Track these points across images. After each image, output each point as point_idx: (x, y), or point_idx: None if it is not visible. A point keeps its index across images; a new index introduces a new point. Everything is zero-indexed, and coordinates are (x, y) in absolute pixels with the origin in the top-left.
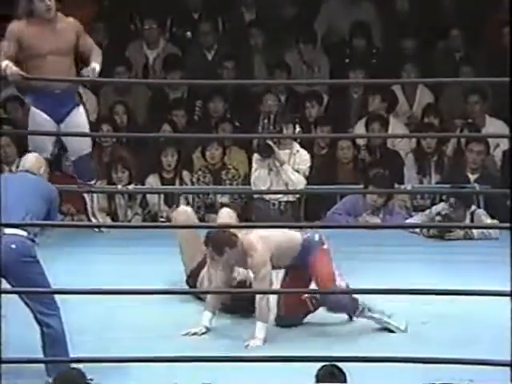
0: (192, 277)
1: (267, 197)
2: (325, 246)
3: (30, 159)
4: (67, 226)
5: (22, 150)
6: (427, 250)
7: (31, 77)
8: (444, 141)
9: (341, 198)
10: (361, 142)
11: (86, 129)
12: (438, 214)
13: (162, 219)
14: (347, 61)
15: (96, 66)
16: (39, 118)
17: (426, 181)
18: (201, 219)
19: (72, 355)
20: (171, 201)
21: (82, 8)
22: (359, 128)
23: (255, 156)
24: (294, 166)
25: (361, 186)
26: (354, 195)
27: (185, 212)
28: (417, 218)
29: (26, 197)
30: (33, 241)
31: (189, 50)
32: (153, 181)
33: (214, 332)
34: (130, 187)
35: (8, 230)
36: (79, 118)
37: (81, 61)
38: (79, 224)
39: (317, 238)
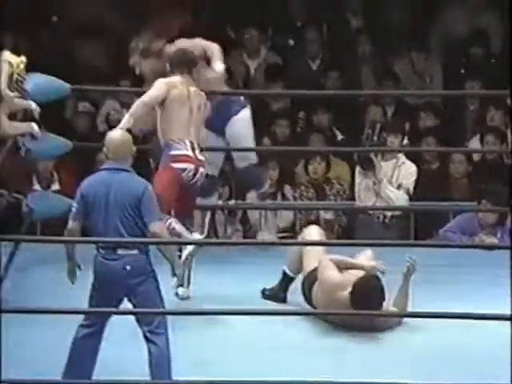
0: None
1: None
2: None
3: (117, 142)
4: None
5: None
6: None
7: None
8: None
9: (454, 215)
10: (476, 156)
11: (249, 138)
12: None
13: (238, 232)
14: (462, 71)
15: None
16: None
17: None
18: None
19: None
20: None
21: (173, 22)
22: (474, 142)
23: (358, 168)
24: (397, 180)
25: (474, 203)
26: (468, 213)
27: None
28: None
29: (117, 209)
30: (146, 253)
31: (292, 60)
32: (254, 196)
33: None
34: (231, 203)
35: (120, 251)
36: (238, 123)
37: None
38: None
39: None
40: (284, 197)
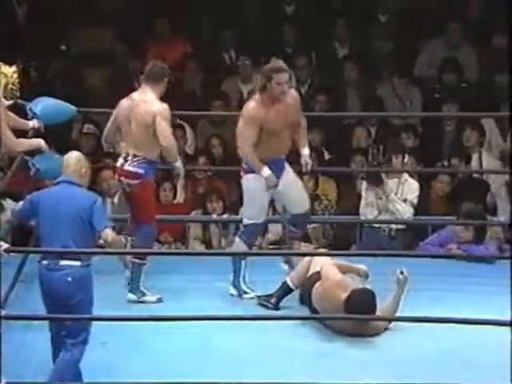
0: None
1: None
2: None
3: (72, 160)
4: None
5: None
6: None
7: None
8: None
9: (432, 230)
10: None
11: (300, 186)
12: None
13: (255, 248)
14: (437, 95)
15: (307, 152)
16: (256, 183)
17: None
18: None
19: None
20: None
21: (174, 47)
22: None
23: (364, 184)
24: (401, 195)
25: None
26: (448, 229)
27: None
28: None
29: (67, 221)
30: (88, 266)
31: None
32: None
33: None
34: (225, 216)
35: (62, 262)
36: (291, 176)
37: None
38: (174, 252)
39: None
40: (275, 211)
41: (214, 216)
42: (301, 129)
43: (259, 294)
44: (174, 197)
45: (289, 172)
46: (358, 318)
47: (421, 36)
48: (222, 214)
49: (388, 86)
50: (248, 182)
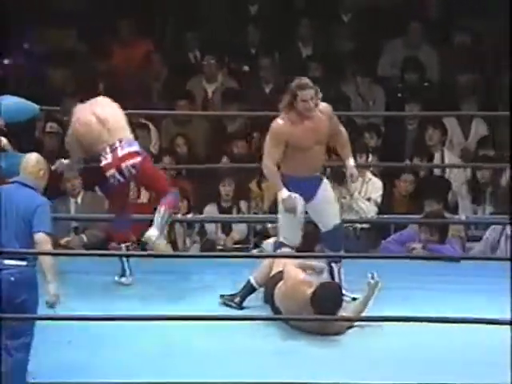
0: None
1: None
2: None
3: (31, 161)
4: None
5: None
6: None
7: None
8: (499, 172)
9: (395, 229)
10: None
11: (333, 201)
12: None
13: (220, 247)
14: (399, 95)
15: (353, 162)
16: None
17: (480, 211)
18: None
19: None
20: (229, 229)
21: (138, 48)
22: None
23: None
24: (365, 194)
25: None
26: (410, 228)
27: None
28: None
29: (15, 222)
30: (33, 267)
31: (247, 84)
32: (211, 210)
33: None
34: (189, 216)
35: (7, 261)
36: (326, 192)
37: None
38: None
39: None
40: (239, 210)
41: (179, 216)
42: (342, 140)
43: (222, 294)
44: (138, 196)
45: (326, 189)
46: (323, 318)
47: (383, 35)
48: (187, 213)
49: (351, 86)
50: (282, 200)
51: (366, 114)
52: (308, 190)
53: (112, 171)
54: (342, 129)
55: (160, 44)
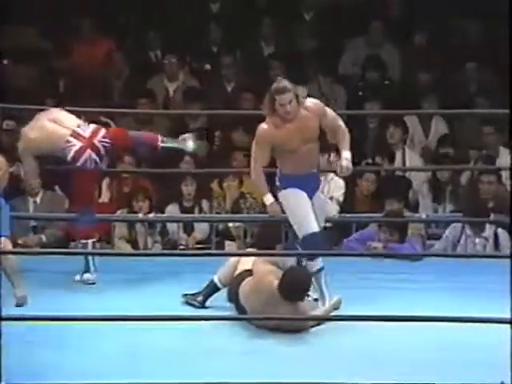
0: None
1: None
2: None
3: None
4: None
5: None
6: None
7: None
8: (459, 171)
9: (356, 229)
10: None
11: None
12: None
13: (182, 247)
14: (360, 93)
15: (348, 154)
16: (296, 195)
17: (440, 209)
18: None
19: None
20: (191, 229)
21: (99, 46)
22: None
23: None
24: (328, 193)
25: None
26: (371, 228)
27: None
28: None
29: None
30: None
31: (208, 83)
32: (173, 209)
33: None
34: (151, 216)
35: None
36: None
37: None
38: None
39: None
40: (201, 210)
41: (140, 215)
42: (339, 134)
43: (186, 293)
44: (99, 196)
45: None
46: (291, 318)
47: (345, 34)
48: (148, 213)
49: (314, 85)
50: (287, 198)
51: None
52: (308, 186)
53: (87, 153)
54: (340, 123)
55: (122, 43)
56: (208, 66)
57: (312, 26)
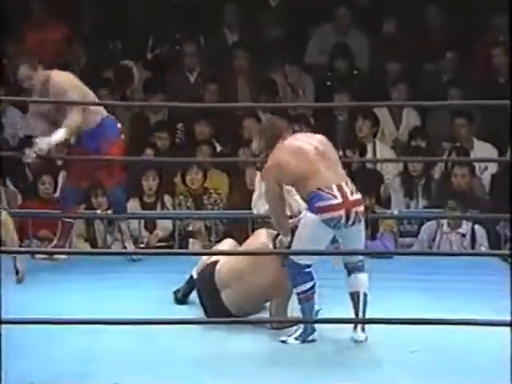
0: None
1: None
2: None
3: None
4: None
5: None
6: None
7: None
8: (431, 164)
9: None
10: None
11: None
12: None
13: (142, 245)
14: (329, 83)
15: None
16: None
17: (413, 204)
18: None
19: None
20: (152, 226)
21: (53, 30)
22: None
23: (258, 177)
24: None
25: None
26: None
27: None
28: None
29: None
30: None
31: (170, 72)
32: (133, 205)
33: None
34: (110, 212)
35: None
36: None
37: None
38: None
39: None
40: (164, 206)
41: (99, 212)
42: None
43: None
44: (55, 191)
45: None
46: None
47: (311, 21)
48: (107, 209)
49: (280, 75)
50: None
51: (293, 105)
52: None
53: None
54: None
55: (78, 30)
56: (170, 55)
57: (278, 13)
